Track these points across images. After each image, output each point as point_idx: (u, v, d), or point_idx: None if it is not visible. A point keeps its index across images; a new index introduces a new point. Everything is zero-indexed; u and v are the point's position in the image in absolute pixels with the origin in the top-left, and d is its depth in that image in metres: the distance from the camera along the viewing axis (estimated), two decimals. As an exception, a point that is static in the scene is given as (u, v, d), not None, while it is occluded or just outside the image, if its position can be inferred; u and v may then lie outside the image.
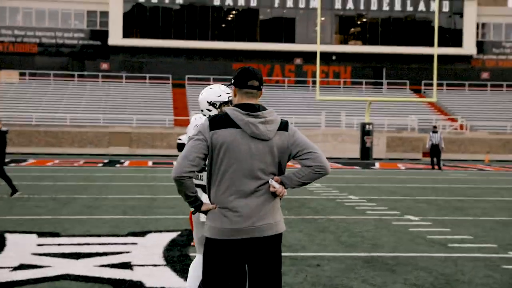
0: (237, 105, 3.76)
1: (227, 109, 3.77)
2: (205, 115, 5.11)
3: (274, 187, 3.72)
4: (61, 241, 8.71)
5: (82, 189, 16.00)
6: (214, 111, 5.06)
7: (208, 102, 5.06)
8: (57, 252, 7.93)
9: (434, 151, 26.76)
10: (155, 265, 7.28)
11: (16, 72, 49.62)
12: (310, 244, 8.79)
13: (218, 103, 5.06)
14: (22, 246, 8.31)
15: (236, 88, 3.82)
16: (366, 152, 35.10)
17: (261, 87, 3.83)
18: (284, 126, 3.78)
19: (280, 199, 3.82)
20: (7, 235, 9.09)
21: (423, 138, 37.67)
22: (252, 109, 3.72)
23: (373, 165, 30.30)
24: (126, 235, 9.26)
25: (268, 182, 3.74)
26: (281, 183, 3.77)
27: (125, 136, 36.96)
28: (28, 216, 11.15)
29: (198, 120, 5.23)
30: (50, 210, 12.00)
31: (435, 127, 27.64)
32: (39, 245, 8.45)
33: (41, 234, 9.25)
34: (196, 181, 4.95)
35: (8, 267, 7.05)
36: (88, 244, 8.55)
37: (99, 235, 9.22)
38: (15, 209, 11.99)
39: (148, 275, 6.79)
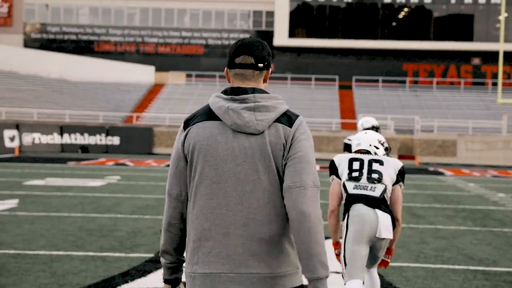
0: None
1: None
2: (366, 152, 5.14)
3: None
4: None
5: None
6: (381, 150, 5.16)
7: (379, 141, 5.19)
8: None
9: None
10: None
11: (183, 74, 52.20)
12: (501, 259, 8.54)
13: (387, 146, 5.20)
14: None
15: (227, 70, 2.67)
16: (554, 161, 33.23)
17: (261, 65, 2.58)
18: (287, 118, 2.53)
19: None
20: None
21: None
22: (238, 92, 2.54)
23: None
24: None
25: (263, 200, 2.48)
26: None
27: (291, 139, 37.63)
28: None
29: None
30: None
31: None
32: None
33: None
34: (359, 191, 5.02)
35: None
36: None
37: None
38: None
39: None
